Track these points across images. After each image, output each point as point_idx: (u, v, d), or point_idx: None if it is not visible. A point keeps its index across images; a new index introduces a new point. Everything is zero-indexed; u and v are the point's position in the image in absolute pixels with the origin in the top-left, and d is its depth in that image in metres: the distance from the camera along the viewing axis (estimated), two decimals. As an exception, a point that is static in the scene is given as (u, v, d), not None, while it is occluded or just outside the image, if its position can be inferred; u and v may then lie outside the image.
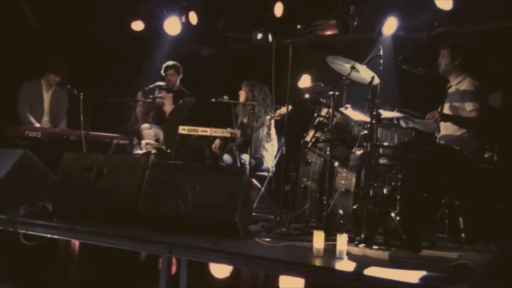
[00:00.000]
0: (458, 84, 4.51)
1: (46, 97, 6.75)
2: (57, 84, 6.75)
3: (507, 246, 2.29)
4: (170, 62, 6.98)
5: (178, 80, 7.00)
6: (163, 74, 6.97)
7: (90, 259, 4.83)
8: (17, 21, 6.79)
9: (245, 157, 5.66)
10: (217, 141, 6.19)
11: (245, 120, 6.20)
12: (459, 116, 4.40)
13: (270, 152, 5.95)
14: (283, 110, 5.37)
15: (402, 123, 4.70)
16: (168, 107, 6.69)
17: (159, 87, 6.72)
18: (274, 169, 5.75)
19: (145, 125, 6.80)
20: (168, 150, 6.09)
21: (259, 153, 5.93)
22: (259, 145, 5.94)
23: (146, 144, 6.45)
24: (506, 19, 5.73)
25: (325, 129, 4.62)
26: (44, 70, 6.73)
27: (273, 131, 5.92)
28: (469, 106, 4.36)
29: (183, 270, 3.99)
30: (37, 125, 6.49)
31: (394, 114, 4.69)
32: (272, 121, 5.80)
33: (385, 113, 4.58)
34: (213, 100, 5.73)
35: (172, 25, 7.31)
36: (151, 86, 7.03)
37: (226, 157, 5.92)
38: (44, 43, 7.08)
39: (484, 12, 5.78)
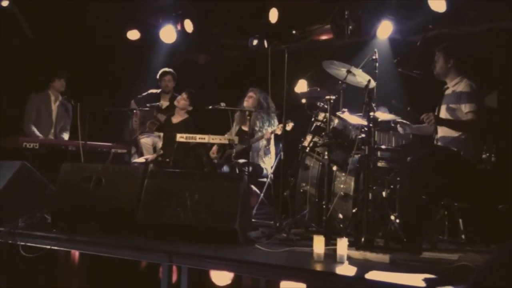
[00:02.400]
0: (455, 85, 4.53)
1: (54, 108, 6.79)
2: (61, 93, 6.80)
3: (506, 246, 2.29)
4: (167, 69, 7.04)
5: (173, 87, 7.05)
6: (159, 80, 7.01)
7: (90, 269, 4.81)
8: (13, 33, 6.79)
9: (243, 164, 5.66)
10: (214, 148, 6.18)
11: (244, 128, 6.19)
12: (454, 120, 4.41)
13: (268, 163, 5.96)
14: (286, 127, 5.41)
15: (400, 129, 4.71)
16: (181, 112, 6.60)
17: (185, 90, 6.64)
18: (272, 175, 5.75)
19: (142, 134, 6.80)
20: (167, 159, 6.07)
21: (257, 162, 5.93)
22: (257, 155, 5.94)
23: (146, 159, 6.44)
24: (500, 20, 5.75)
25: (323, 133, 4.62)
26: (47, 81, 6.76)
27: (272, 145, 5.92)
28: (466, 108, 4.37)
29: (184, 278, 3.96)
30: (41, 136, 6.51)
31: (391, 116, 4.69)
32: (272, 135, 5.81)
33: (382, 116, 4.59)
34: (210, 107, 5.73)
35: (168, 33, 7.34)
36: (144, 94, 7.07)
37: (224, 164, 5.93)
38: (41, 54, 7.08)
39: (478, 14, 5.80)
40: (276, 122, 5.94)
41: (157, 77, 7.06)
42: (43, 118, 6.65)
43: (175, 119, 6.56)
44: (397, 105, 4.75)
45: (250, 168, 5.56)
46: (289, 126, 5.36)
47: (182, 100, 6.49)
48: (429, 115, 4.33)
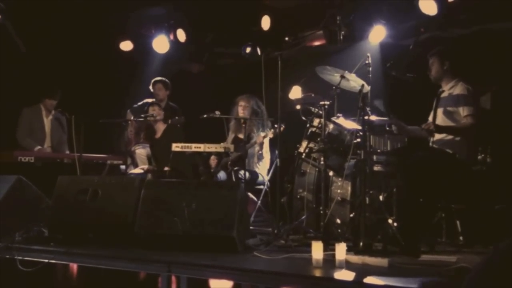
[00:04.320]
0: (451, 89, 4.55)
1: (47, 122, 6.78)
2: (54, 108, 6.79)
3: (501, 246, 2.30)
4: (158, 78, 7.06)
5: (166, 96, 7.06)
6: (151, 89, 7.03)
7: (89, 282, 4.79)
8: (5, 47, 6.79)
9: (241, 171, 5.65)
10: (213, 158, 6.16)
11: (239, 135, 6.18)
12: (453, 126, 4.43)
13: (262, 168, 5.95)
14: (276, 131, 5.43)
15: (394, 129, 4.72)
16: (160, 125, 6.64)
17: (151, 103, 6.69)
18: (269, 183, 5.75)
19: (137, 145, 6.80)
20: (166, 168, 6.06)
21: (253, 168, 5.93)
22: (252, 161, 5.94)
23: (143, 169, 6.42)
24: (491, 22, 5.78)
25: (318, 139, 4.63)
26: (39, 95, 6.76)
27: (265, 150, 5.92)
28: (464, 111, 4.39)
29: (183, 288, 3.97)
30: (38, 147, 6.50)
31: (386, 120, 4.70)
32: (265, 140, 5.81)
33: (377, 119, 4.60)
34: (205, 116, 5.74)
35: (161, 44, 7.35)
36: (140, 103, 7.07)
37: (220, 173, 5.91)
38: (34, 68, 7.08)
39: (469, 16, 5.84)
40: (269, 124, 5.93)
41: (150, 86, 7.08)
42: (36, 132, 6.64)
43: (157, 134, 6.56)
44: (381, 108, 4.76)
45: (247, 175, 5.55)
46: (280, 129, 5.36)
47: (159, 111, 6.52)
48: (429, 124, 4.36)
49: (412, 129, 4.72)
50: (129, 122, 6.83)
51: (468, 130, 4.37)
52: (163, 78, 7.07)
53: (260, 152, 5.87)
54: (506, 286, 2.18)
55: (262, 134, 5.80)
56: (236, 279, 3.68)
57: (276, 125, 5.34)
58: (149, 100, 7.07)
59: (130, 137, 6.92)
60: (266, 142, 5.90)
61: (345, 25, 6.32)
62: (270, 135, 5.65)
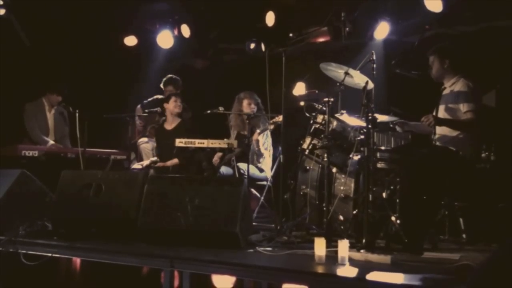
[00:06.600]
0: (452, 85, 4.54)
1: (50, 117, 6.79)
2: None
3: (505, 245, 2.29)
4: (169, 76, 6.94)
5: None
6: (162, 87, 6.96)
7: (92, 276, 4.81)
8: (10, 41, 6.81)
9: (243, 167, 5.65)
10: (216, 156, 6.15)
11: (242, 132, 6.17)
12: (453, 120, 4.42)
13: (264, 165, 5.95)
14: (276, 118, 5.43)
15: (398, 129, 4.72)
16: (175, 118, 6.45)
17: (175, 94, 6.53)
18: (272, 179, 5.75)
19: (142, 139, 6.79)
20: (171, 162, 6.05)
21: (255, 165, 5.93)
22: (253, 158, 5.94)
23: (141, 166, 6.38)
24: (496, 19, 5.76)
25: (322, 135, 4.62)
26: (43, 89, 6.77)
27: (264, 146, 5.91)
28: (464, 107, 4.38)
29: (186, 283, 3.97)
30: (51, 142, 6.54)
31: (390, 118, 4.70)
32: (260, 137, 5.80)
33: (381, 117, 4.59)
34: (208, 111, 5.74)
35: (165, 39, 7.35)
36: (150, 99, 7.05)
37: (223, 169, 5.91)
38: (38, 62, 7.09)
39: (474, 13, 5.82)
40: (268, 121, 5.92)
41: (161, 85, 7.00)
42: (39, 127, 6.65)
43: (169, 126, 6.41)
44: (397, 111, 4.76)
45: (250, 171, 5.56)
46: (279, 118, 5.35)
47: (180, 104, 6.36)
48: (428, 117, 4.34)
49: (414, 125, 4.72)
50: (136, 116, 6.82)
51: (468, 125, 4.36)
52: (174, 77, 6.93)
53: (257, 149, 5.87)
54: (510, 285, 2.18)
55: (258, 131, 5.80)
56: (239, 275, 3.67)
57: (276, 117, 5.36)
58: (159, 97, 7.05)
59: (138, 129, 6.92)
60: (261, 138, 5.89)
61: (350, 22, 6.31)
62: (271, 122, 5.65)
